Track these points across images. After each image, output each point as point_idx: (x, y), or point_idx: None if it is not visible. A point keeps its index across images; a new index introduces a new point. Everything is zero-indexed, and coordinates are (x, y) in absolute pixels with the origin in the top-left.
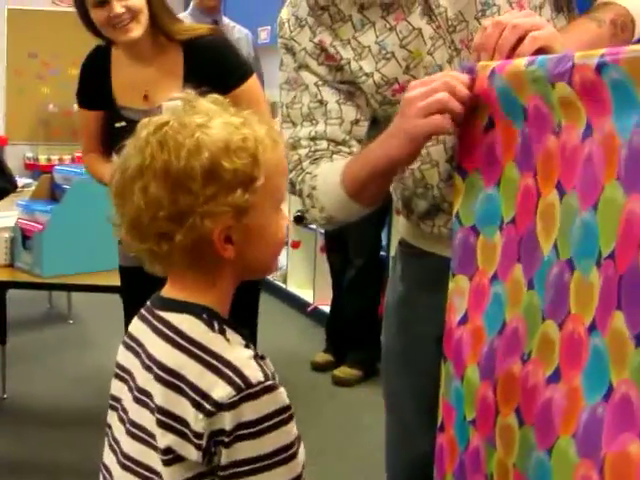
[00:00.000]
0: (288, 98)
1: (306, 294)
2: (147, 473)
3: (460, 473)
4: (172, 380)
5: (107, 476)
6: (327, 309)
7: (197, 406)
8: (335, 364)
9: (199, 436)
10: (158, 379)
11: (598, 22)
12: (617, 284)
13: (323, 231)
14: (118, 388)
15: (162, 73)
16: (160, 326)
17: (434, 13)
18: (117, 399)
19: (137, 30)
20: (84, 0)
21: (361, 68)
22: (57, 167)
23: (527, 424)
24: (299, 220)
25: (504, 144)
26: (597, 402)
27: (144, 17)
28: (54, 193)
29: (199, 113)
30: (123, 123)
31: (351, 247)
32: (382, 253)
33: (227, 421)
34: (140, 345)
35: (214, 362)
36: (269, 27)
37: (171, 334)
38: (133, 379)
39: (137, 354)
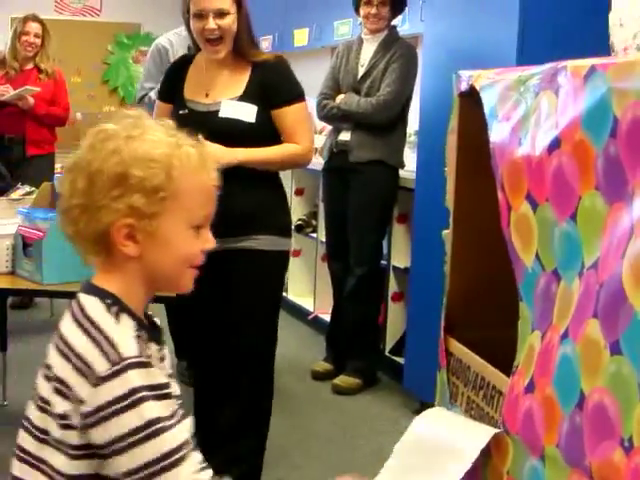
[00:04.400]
0: None
1: (306, 302)
2: (42, 435)
3: None
4: (66, 350)
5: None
6: (327, 318)
7: (83, 375)
8: (335, 373)
9: (83, 403)
10: (57, 350)
11: None
12: (596, 292)
13: (324, 240)
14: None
15: (227, 80)
16: (74, 305)
17: None
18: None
19: (223, 51)
20: (189, 9)
21: None
22: (58, 175)
23: (512, 433)
24: (300, 228)
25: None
26: (572, 410)
27: (230, 38)
28: (55, 201)
29: (139, 128)
30: (186, 111)
31: (352, 256)
32: (383, 262)
33: (105, 392)
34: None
35: (98, 336)
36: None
37: (76, 311)
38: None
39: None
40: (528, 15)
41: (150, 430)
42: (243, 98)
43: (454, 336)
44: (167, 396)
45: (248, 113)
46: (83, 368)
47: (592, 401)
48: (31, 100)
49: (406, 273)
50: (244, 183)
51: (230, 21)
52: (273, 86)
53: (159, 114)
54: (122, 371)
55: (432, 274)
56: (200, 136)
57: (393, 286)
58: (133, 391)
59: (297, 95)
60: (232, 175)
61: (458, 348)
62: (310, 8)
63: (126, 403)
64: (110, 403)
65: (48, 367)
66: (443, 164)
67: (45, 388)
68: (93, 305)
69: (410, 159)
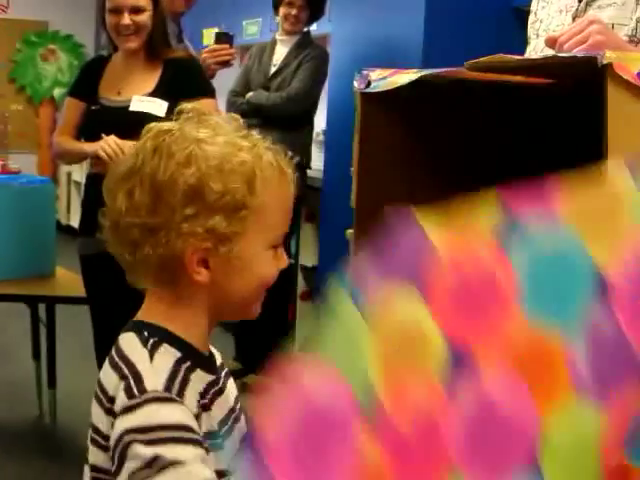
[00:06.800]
0: None
1: None
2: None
3: None
4: (99, 394)
5: None
6: None
7: (108, 412)
8: (244, 371)
9: (107, 439)
10: (95, 397)
11: None
12: None
13: None
14: None
15: (140, 78)
16: (113, 348)
17: None
18: None
19: (135, 43)
20: (105, 4)
21: None
22: None
23: None
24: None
25: None
26: None
27: (145, 34)
28: None
29: (207, 127)
30: (98, 107)
31: None
32: (291, 261)
33: (117, 427)
34: None
35: (126, 371)
36: None
37: (113, 353)
38: None
39: None
40: (434, 13)
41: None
42: (154, 94)
43: None
44: (189, 441)
45: (158, 108)
46: (110, 407)
47: None
48: None
49: (314, 272)
50: None
51: (145, 17)
52: (183, 82)
53: (69, 110)
54: (139, 405)
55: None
56: (103, 135)
57: (301, 285)
58: (150, 428)
59: (206, 91)
60: None
61: None
62: (219, 7)
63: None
64: (123, 434)
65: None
66: (350, 164)
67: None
68: (129, 341)
69: (318, 158)
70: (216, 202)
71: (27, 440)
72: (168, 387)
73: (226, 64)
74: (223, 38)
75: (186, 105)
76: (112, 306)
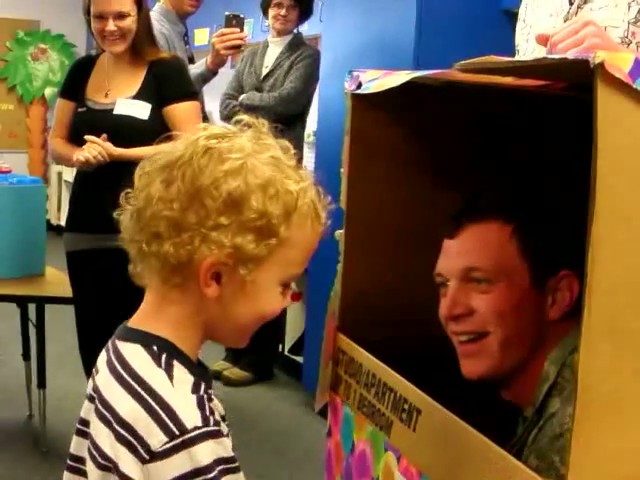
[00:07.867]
0: None
1: None
2: None
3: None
4: (106, 414)
5: None
6: None
7: (133, 450)
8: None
9: (107, 459)
10: (96, 412)
11: None
12: None
13: None
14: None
15: (125, 80)
16: (114, 358)
17: None
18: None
19: (121, 46)
20: (90, 9)
21: None
22: None
23: None
24: None
25: None
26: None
27: (130, 37)
28: None
29: (261, 145)
30: (84, 109)
31: None
32: None
33: (161, 471)
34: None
35: (152, 402)
36: None
37: (119, 367)
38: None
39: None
40: (425, 14)
41: None
42: (137, 96)
43: (347, 334)
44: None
45: (141, 110)
46: (133, 440)
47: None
48: None
49: (305, 273)
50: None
51: (130, 22)
52: (164, 83)
53: (62, 111)
54: (187, 444)
55: (330, 274)
56: (86, 136)
57: (292, 286)
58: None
59: (187, 94)
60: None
61: (351, 346)
62: (210, 7)
63: None
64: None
65: (83, 423)
66: (340, 165)
67: (83, 449)
68: (140, 359)
69: (308, 159)
70: (251, 221)
71: (17, 440)
72: (205, 417)
73: (237, 49)
74: (233, 21)
75: (243, 117)
76: (96, 304)
